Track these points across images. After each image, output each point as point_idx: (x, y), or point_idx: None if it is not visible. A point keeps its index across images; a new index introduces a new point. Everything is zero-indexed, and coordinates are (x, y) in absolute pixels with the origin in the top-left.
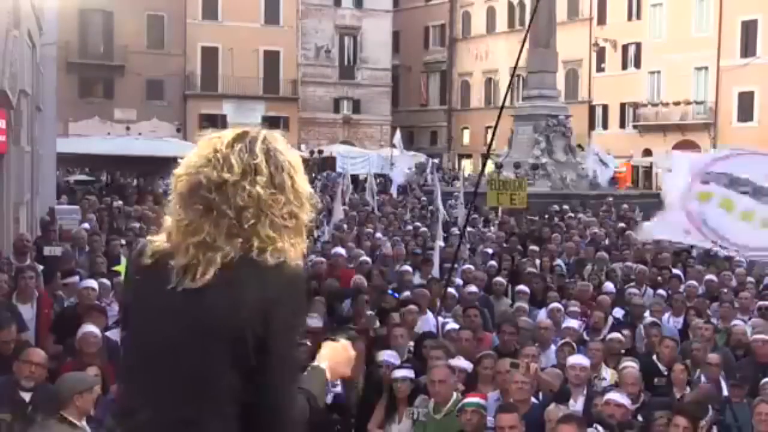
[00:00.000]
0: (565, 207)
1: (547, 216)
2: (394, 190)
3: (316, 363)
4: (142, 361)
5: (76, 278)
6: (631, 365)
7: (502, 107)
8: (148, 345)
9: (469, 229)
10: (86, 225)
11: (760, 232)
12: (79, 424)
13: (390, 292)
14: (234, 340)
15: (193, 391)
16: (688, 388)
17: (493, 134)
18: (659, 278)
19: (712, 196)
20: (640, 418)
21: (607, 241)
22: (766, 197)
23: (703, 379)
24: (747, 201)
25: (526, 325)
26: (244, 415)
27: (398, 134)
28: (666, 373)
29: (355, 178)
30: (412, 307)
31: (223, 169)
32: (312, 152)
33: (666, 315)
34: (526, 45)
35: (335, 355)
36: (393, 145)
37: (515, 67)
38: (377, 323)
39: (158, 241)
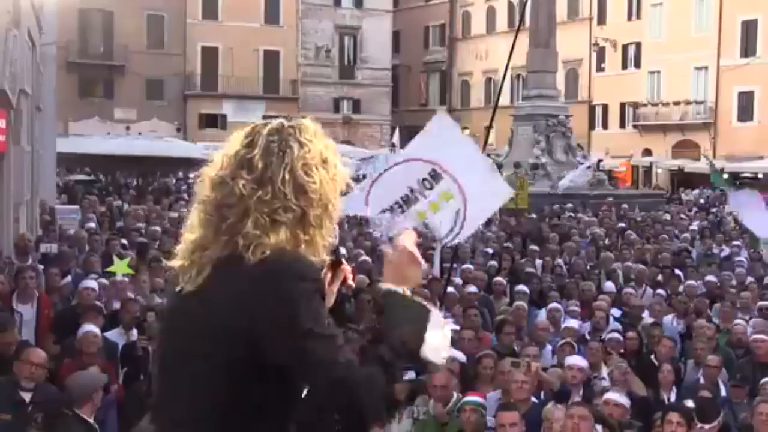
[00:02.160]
0: (569, 205)
1: (545, 216)
2: None
3: (387, 288)
4: (157, 364)
5: (69, 279)
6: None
7: (495, 106)
8: (160, 348)
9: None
10: (91, 224)
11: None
12: (91, 422)
13: None
14: (224, 341)
15: (190, 395)
16: (674, 389)
17: (487, 133)
18: (659, 278)
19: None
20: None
21: (607, 241)
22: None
23: (701, 380)
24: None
25: (523, 324)
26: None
27: (397, 134)
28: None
29: (354, 178)
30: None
31: (222, 165)
32: None
33: (669, 316)
34: (525, 46)
35: (400, 261)
36: (392, 145)
37: (507, 65)
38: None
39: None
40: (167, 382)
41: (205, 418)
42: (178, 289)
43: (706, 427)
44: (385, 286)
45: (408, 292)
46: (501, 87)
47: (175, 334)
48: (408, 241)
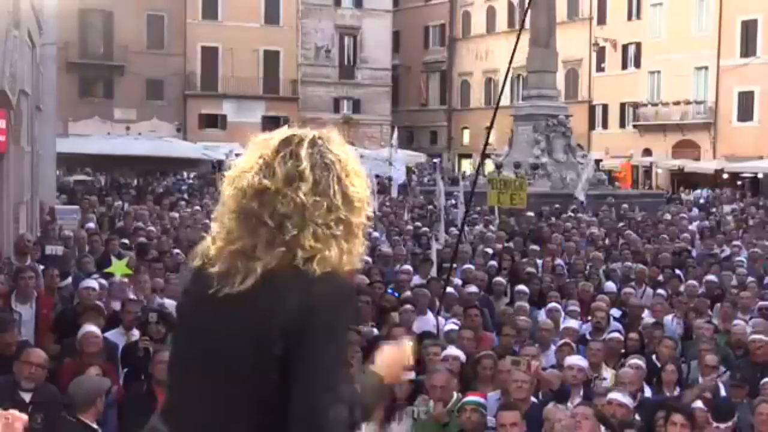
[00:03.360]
0: (572, 206)
1: (544, 216)
2: (394, 190)
3: (371, 367)
4: (179, 364)
5: (69, 280)
6: (636, 363)
7: (497, 108)
8: (184, 348)
9: (467, 228)
10: (91, 225)
11: None
12: (95, 426)
13: (390, 291)
14: (269, 346)
15: (224, 396)
16: (677, 389)
17: (488, 133)
18: (659, 278)
19: None
20: (637, 416)
21: (607, 241)
22: None
23: (700, 380)
24: None
25: (524, 324)
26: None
27: (395, 134)
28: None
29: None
30: (408, 306)
31: (265, 175)
32: None
33: (669, 317)
34: (525, 46)
35: (392, 359)
36: (391, 145)
37: (509, 66)
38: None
39: (207, 244)
40: (192, 382)
41: (248, 426)
42: (211, 291)
43: (722, 426)
44: (375, 366)
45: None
46: (503, 88)
47: (208, 334)
48: (407, 351)
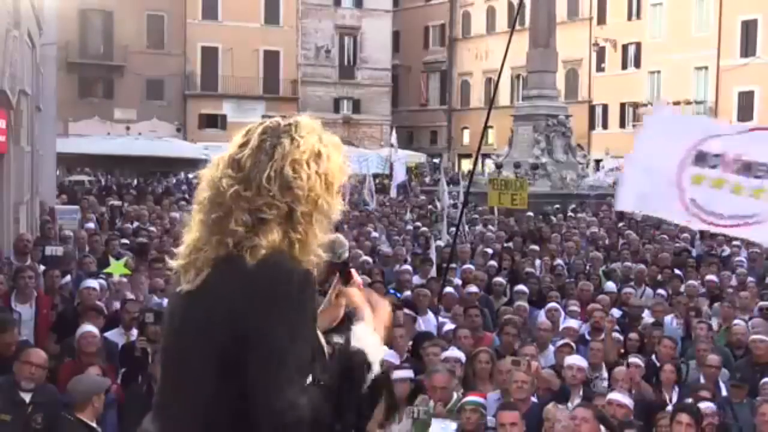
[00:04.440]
0: (573, 206)
1: (542, 216)
2: (393, 190)
3: (355, 327)
4: (160, 363)
5: (68, 278)
6: (635, 362)
7: (490, 107)
8: (162, 348)
9: (467, 228)
10: (90, 225)
11: (750, 201)
12: (93, 425)
13: (392, 291)
14: (217, 341)
15: (199, 394)
16: (676, 389)
17: (483, 131)
18: (659, 277)
19: (704, 180)
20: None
21: (607, 241)
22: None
23: (702, 379)
24: (737, 177)
25: (522, 323)
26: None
27: (394, 134)
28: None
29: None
30: (407, 311)
31: (215, 167)
32: None
33: (669, 316)
34: (525, 46)
35: (375, 315)
36: (391, 145)
37: (502, 65)
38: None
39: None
40: (168, 380)
41: (203, 414)
42: (177, 289)
43: None
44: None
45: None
46: (497, 86)
47: (174, 333)
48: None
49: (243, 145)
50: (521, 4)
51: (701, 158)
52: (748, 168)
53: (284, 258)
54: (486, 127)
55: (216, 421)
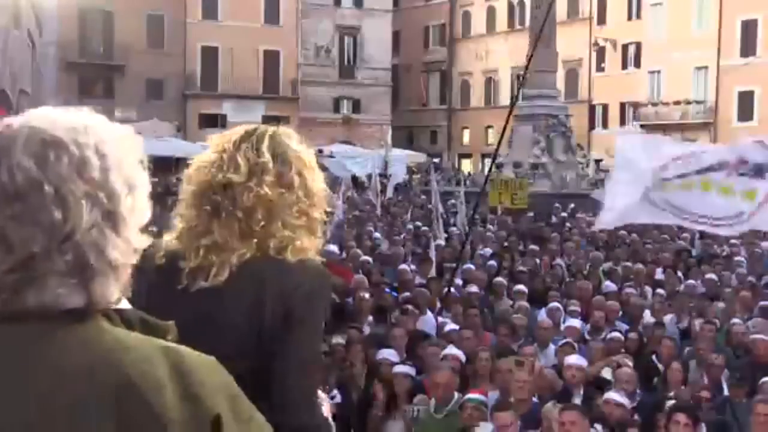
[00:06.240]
0: (571, 206)
1: (542, 216)
2: (390, 190)
3: None
4: None
5: None
6: (624, 361)
7: (511, 110)
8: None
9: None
10: None
11: (718, 200)
12: None
13: (387, 290)
14: (255, 333)
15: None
16: (683, 387)
17: (501, 137)
18: (659, 277)
19: (671, 184)
20: (636, 417)
21: (607, 241)
22: (721, 172)
23: (705, 379)
24: (705, 176)
25: (519, 322)
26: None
27: (389, 133)
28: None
29: (353, 178)
30: (409, 307)
31: (229, 169)
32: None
33: (669, 316)
34: (525, 46)
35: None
36: (381, 144)
37: (527, 65)
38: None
39: (168, 240)
40: None
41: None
42: (181, 286)
43: None
44: None
45: None
46: (519, 91)
47: (186, 330)
48: None
49: (256, 151)
50: (543, 8)
51: (666, 168)
52: (715, 168)
53: (318, 265)
54: (503, 132)
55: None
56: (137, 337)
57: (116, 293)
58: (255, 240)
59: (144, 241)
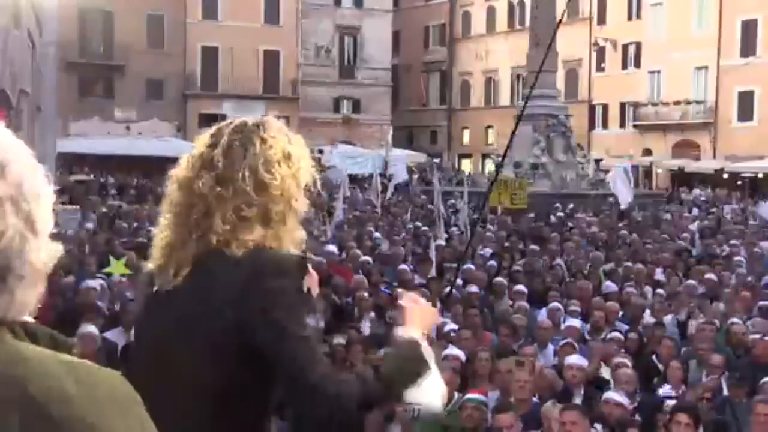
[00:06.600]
0: (571, 206)
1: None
2: (390, 190)
3: (402, 335)
4: (139, 367)
5: (71, 278)
6: (623, 362)
7: (522, 112)
8: (141, 351)
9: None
10: (90, 225)
11: None
12: None
13: (383, 289)
14: (213, 328)
15: (182, 387)
16: (683, 386)
17: (511, 139)
18: (659, 277)
19: None
20: (637, 417)
21: (607, 241)
22: None
23: (704, 379)
24: None
25: (519, 322)
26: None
27: (390, 133)
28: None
29: (353, 178)
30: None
31: (186, 167)
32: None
33: (669, 316)
34: (525, 46)
35: (423, 317)
36: (381, 144)
37: (542, 62)
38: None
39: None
40: (154, 379)
41: (195, 408)
42: (154, 289)
43: None
44: (404, 334)
45: (421, 341)
46: (531, 91)
47: (159, 332)
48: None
49: (213, 145)
50: (569, 4)
51: None
52: None
53: (265, 249)
54: (513, 133)
55: (214, 408)
56: (42, 352)
57: (33, 302)
58: (198, 234)
59: (55, 250)
